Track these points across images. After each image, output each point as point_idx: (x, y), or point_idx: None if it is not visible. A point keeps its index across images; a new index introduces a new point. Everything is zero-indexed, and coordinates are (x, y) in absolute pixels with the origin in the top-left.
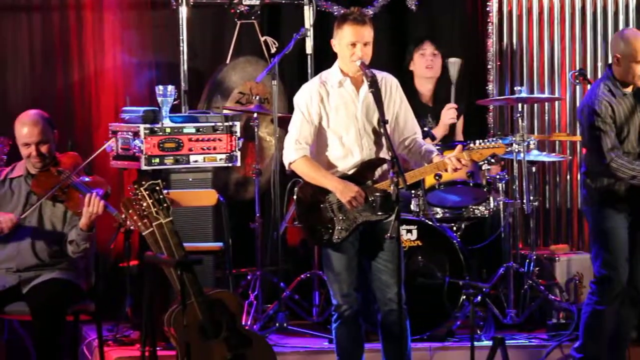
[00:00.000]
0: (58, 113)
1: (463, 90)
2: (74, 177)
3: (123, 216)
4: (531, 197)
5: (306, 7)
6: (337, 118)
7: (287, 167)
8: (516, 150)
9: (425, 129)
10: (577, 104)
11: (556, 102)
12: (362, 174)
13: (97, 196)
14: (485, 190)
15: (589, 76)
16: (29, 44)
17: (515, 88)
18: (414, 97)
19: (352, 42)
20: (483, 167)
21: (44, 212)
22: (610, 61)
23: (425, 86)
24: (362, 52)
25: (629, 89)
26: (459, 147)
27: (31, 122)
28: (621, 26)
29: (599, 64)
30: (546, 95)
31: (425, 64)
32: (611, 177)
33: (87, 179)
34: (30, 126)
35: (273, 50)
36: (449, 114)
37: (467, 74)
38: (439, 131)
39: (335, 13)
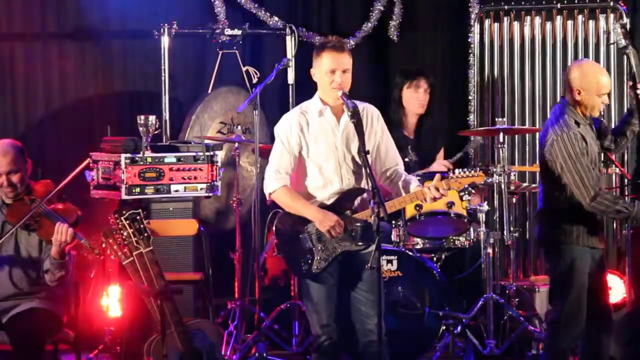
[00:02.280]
0: (39, 142)
1: (444, 122)
2: (45, 205)
3: (103, 245)
4: (511, 228)
5: (288, 38)
6: (316, 148)
7: (267, 198)
8: (496, 181)
9: (407, 159)
10: None
11: (537, 133)
12: (341, 203)
13: (65, 225)
14: (465, 220)
15: None
16: (10, 72)
17: (496, 119)
18: (398, 128)
19: (331, 69)
20: (463, 198)
21: (20, 241)
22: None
23: (410, 119)
24: (341, 79)
25: (587, 117)
26: (438, 176)
27: (1, 151)
28: (602, 57)
29: None
30: (527, 126)
31: (418, 100)
32: (586, 212)
33: (58, 207)
34: (0, 156)
35: (255, 80)
36: (440, 167)
37: (448, 105)
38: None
39: (317, 44)
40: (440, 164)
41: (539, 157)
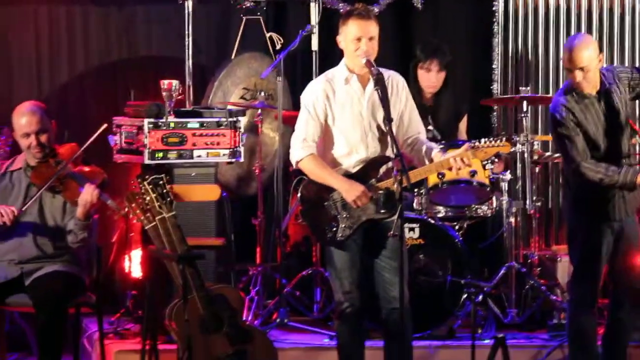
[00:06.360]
0: (63, 106)
1: (467, 90)
2: (70, 166)
3: (125, 208)
4: (534, 197)
5: (312, 4)
6: (342, 116)
7: (294, 166)
8: (519, 150)
9: (430, 127)
10: None
11: None
12: (366, 171)
13: (91, 185)
14: (488, 189)
15: None
16: (35, 37)
17: (519, 88)
18: (415, 97)
19: (357, 36)
20: (487, 167)
21: (44, 203)
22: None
23: (425, 93)
24: (367, 46)
25: (593, 92)
26: (466, 145)
27: (29, 112)
28: (627, 28)
29: (604, 65)
30: (551, 95)
31: (429, 82)
32: (582, 183)
33: (84, 169)
34: (28, 116)
35: (278, 47)
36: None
37: (471, 74)
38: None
39: (341, 10)
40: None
41: None
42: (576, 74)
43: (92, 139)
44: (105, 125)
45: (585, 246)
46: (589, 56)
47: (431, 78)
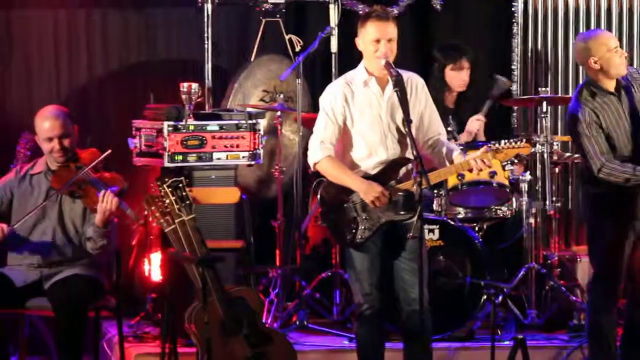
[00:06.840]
0: (82, 110)
1: (486, 91)
2: (90, 172)
3: (144, 217)
4: (553, 198)
5: (331, 6)
6: (361, 118)
7: (312, 168)
8: (539, 151)
9: (450, 128)
10: None
11: None
12: (385, 173)
13: (111, 193)
14: (507, 190)
15: None
16: (54, 41)
17: (539, 89)
18: (439, 99)
19: (375, 38)
20: (506, 168)
21: (64, 208)
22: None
23: (452, 94)
24: (385, 48)
25: (611, 88)
26: (485, 147)
27: (52, 116)
28: None
29: None
30: (570, 96)
31: (462, 81)
32: (602, 184)
33: (105, 175)
34: (52, 120)
35: (297, 49)
36: (475, 124)
37: (491, 74)
38: (463, 137)
39: (360, 12)
40: (473, 119)
41: None
42: (614, 55)
43: (98, 160)
44: (109, 152)
45: (606, 247)
46: None
47: (462, 76)
